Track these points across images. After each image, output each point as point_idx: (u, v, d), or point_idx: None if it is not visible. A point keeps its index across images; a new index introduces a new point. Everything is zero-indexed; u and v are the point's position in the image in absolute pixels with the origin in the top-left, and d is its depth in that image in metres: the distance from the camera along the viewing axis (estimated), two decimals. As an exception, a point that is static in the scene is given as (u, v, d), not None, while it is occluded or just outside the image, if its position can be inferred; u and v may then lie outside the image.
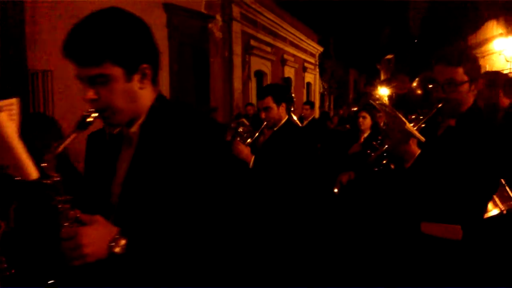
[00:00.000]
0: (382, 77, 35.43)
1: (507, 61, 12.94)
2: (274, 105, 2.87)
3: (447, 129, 1.92)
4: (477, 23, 15.72)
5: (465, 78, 1.83)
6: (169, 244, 1.12)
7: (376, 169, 1.92)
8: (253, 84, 11.56)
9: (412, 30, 21.80)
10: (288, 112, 3.07)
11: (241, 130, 2.96)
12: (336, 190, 3.65)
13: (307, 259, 3.00)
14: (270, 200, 2.75)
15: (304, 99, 18.21)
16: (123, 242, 1.09)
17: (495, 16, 14.27)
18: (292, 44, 15.66)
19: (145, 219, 1.15)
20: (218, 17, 9.81)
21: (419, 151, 1.77)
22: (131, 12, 1.30)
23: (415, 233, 1.88)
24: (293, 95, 5.73)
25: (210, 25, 9.54)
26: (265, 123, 2.89)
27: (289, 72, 15.21)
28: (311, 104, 6.33)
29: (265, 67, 12.66)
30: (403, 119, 1.69)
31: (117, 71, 1.16)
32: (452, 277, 1.81)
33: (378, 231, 3.72)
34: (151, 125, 1.25)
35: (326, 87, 23.18)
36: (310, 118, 6.13)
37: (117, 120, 1.23)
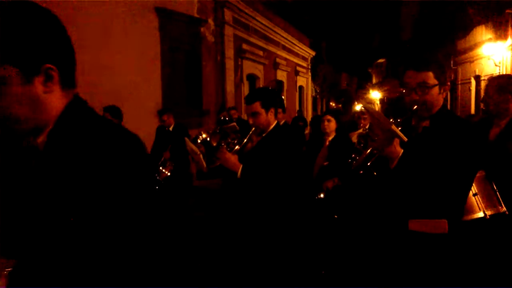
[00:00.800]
0: (374, 81, 35.70)
1: (496, 65, 13.12)
2: (262, 111, 2.72)
3: (423, 130, 2.02)
4: (467, 28, 15.93)
5: (435, 81, 1.95)
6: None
7: (362, 172, 1.98)
8: (245, 88, 11.60)
9: (404, 34, 22.02)
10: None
11: (229, 136, 2.84)
12: (322, 196, 3.67)
13: (298, 265, 2.98)
14: (259, 207, 2.65)
15: (297, 102, 18.32)
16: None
17: (484, 21, 14.48)
18: (285, 48, 15.75)
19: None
20: (211, 21, 9.86)
21: (402, 151, 1.85)
22: (37, 5, 1.09)
23: (403, 231, 1.95)
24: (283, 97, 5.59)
25: (202, 29, 9.58)
26: (253, 129, 2.73)
27: (281, 75, 15.28)
28: (283, 107, 6.04)
29: (258, 70, 12.71)
30: (388, 120, 1.79)
31: (11, 72, 0.99)
32: (442, 269, 1.89)
33: (367, 232, 3.76)
34: (58, 134, 1.08)
35: (318, 90, 23.30)
36: (282, 122, 5.95)
37: (18, 129, 1.05)
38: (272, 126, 2.79)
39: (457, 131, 1.89)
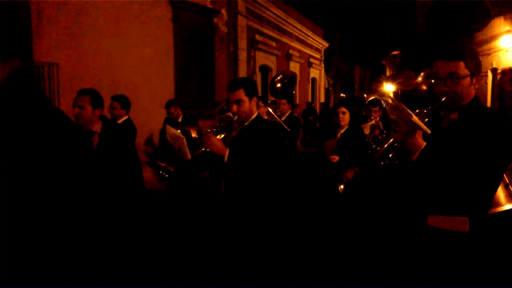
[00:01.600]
0: (388, 73, 35.23)
1: (514, 58, 12.82)
2: (246, 98, 2.72)
3: (450, 123, 1.95)
4: (484, 20, 15.58)
5: (467, 72, 1.87)
6: None
7: (382, 163, 1.93)
8: (258, 79, 11.55)
9: (419, 27, 21.66)
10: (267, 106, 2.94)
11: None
12: (342, 187, 3.58)
13: (300, 256, 2.95)
14: (247, 193, 2.66)
15: (309, 94, 18.19)
16: None
17: (502, 13, 14.14)
18: (298, 39, 15.61)
19: None
20: (224, 11, 9.80)
21: (424, 144, 1.79)
22: None
23: (422, 227, 1.90)
24: (293, 92, 5.48)
25: (215, 20, 9.54)
26: (235, 117, 2.74)
27: (294, 67, 15.17)
28: (288, 98, 5.76)
29: (270, 62, 12.63)
30: (409, 111, 1.71)
31: None
32: (459, 269, 1.83)
33: (385, 226, 3.72)
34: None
35: (331, 82, 23.10)
36: (287, 114, 5.68)
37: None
38: (254, 116, 2.79)
39: (486, 125, 1.80)
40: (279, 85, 5.63)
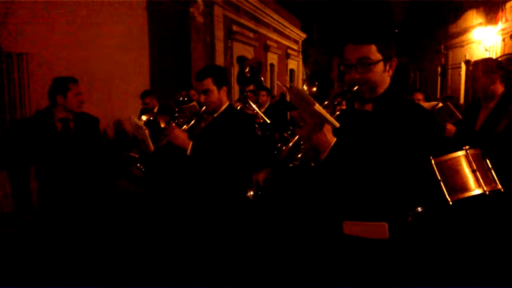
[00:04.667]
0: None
1: (486, 50, 13.13)
2: (214, 88, 2.60)
3: (363, 115, 1.71)
4: (458, 12, 15.87)
5: (379, 56, 1.63)
6: None
7: (291, 165, 1.63)
8: (235, 70, 11.49)
9: (395, 18, 21.88)
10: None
11: (177, 115, 2.70)
12: (251, 193, 2.69)
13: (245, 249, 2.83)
14: (208, 188, 2.56)
15: (288, 86, 18.18)
16: None
17: (475, 5, 14.43)
18: (275, 30, 15.56)
19: None
20: (200, 1, 9.68)
21: (334, 140, 1.53)
22: None
23: (338, 235, 1.68)
24: (262, 78, 5.41)
25: (191, 9, 9.41)
26: (204, 108, 2.62)
27: (272, 58, 15.15)
28: (267, 90, 5.74)
29: (248, 52, 12.58)
30: (312, 99, 1.40)
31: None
32: (380, 281, 1.62)
33: (299, 235, 3.49)
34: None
35: (309, 74, 23.18)
36: (266, 105, 5.70)
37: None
38: (224, 106, 2.68)
39: (403, 116, 1.58)
40: (248, 74, 5.61)
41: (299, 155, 1.63)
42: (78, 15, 6.81)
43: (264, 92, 5.56)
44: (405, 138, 1.53)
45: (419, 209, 2.78)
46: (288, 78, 18.18)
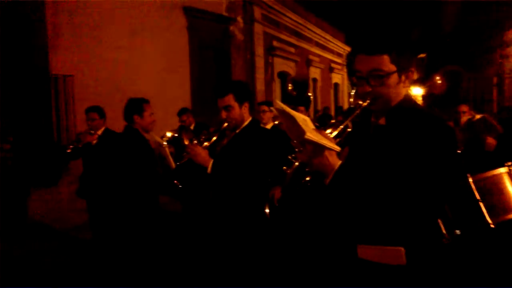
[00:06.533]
0: (415, 77, 34.38)
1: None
2: (235, 104, 2.53)
3: (376, 129, 1.58)
4: (512, 19, 15.04)
5: (392, 67, 1.49)
6: None
7: (300, 187, 1.56)
8: (276, 85, 11.50)
9: (445, 28, 21.11)
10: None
11: (204, 133, 2.69)
12: (267, 211, 2.60)
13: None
14: (229, 207, 2.51)
15: (332, 100, 17.97)
16: None
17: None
18: (318, 45, 15.48)
19: None
20: (239, 19, 9.83)
21: (339, 163, 1.42)
22: None
23: (353, 259, 1.59)
24: (310, 95, 5.15)
25: (231, 28, 9.57)
26: (225, 124, 2.56)
27: (314, 72, 15.04)
28: (269, 104, 5.21)
29: (289, 68, 12.56)
30: (302, 127, 1.33)
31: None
32: None
33: (312, 255, 3.37)
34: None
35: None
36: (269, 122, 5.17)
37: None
38: (247, 122, 2.61)
39: (416, 129, 1.44)
40: (294, 93, 5.44)
41: (308, 178, 1.54)
42: (122, 38, 7.10)
43: (265, 107, 5.14)
44: (418, 153, 1.39)
45: (457, 232, 2.58)
46: (332, 92, 17.96)
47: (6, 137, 4.28)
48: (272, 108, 4.91)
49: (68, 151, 4.20)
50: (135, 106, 3.52)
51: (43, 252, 4.56)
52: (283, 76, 12.48)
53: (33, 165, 4.53)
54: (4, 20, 5.79)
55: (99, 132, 4.36)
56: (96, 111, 4.42)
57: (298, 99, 5.24)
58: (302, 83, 5.03)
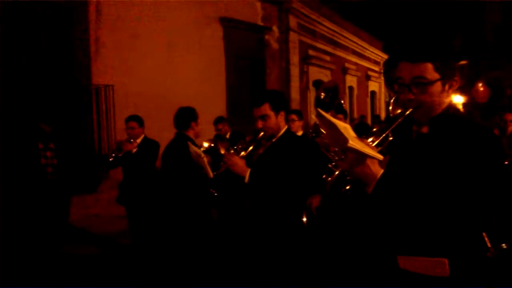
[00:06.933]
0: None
1: None
2: (272, 113, 2.54)
3: (418, 138, 1.55)
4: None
5: (436, 76, 1.47)
6: None
7: (340, 196, 1.54)
8: (311, 94, 11.43)
9: (487, 35, 20.42)
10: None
11: (240, 142, 2.69)
12: (304, 219, 2.50)
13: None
14: (267, 216, 2.49)
15: (369, 108, 17.68)
16: None
17: None
18: (354, 53, 15.30)
19: None
20: (275, 28, 9.87)
21: (381, 172, 1.40)
22: None
23: (394, 270, 1.55)
24: (342, 101, 5.01)
25: (266, 37, 9.63)
26: (261, 133, 2.57)
27: (351, 81, 14.87)
28: (298, 114, 5.08)
29: (325, 76, 12.47)
30: (345, 135, 1.31)
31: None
32: None
33: (352, 269, 3.32)
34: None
35: (392, 95, 22.31)
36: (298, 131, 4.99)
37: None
38: (282, 131, 2.61)
39: (463, 138, 1.40)
40: (327, 100, 5.37)
41: (349, 187, 1.52)
42: (160, 49, 7.29)
43: (294, 116, 5.04)
44: (463, 162, 1.36)
45: (504, 245, 2.45)
46: (369, 100, 17.67)
47: (47, 145, 4.45)
48: (294, 116, 4.92)
49: (111, 159, 4.32)
50: (192, 113, 3.72)
51: (83, 257, 4.70)
52: (318, 84, 12.40)
53: (75, 173, 4.68)
54: (49, 32, 6.08)
55: (138, 141, 4.45)
56: (136, 120, 4.53)
57: (330, 106, 5.07)
58: (333, 89, 4.92)
